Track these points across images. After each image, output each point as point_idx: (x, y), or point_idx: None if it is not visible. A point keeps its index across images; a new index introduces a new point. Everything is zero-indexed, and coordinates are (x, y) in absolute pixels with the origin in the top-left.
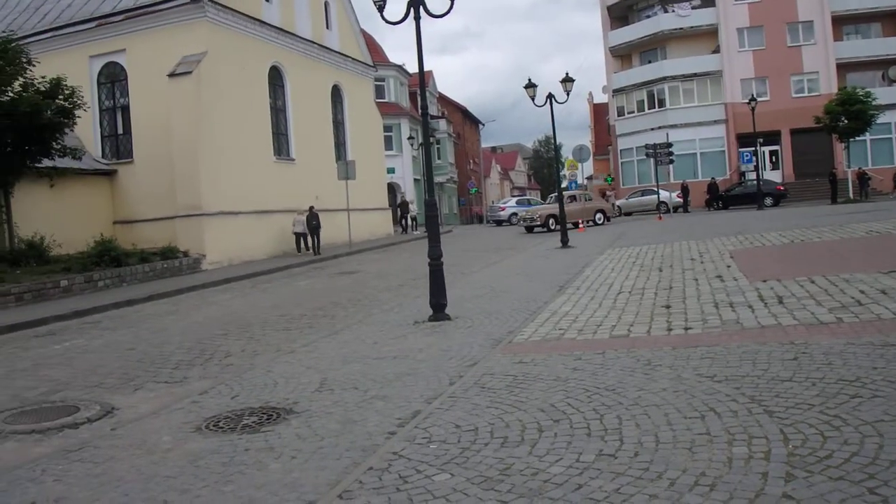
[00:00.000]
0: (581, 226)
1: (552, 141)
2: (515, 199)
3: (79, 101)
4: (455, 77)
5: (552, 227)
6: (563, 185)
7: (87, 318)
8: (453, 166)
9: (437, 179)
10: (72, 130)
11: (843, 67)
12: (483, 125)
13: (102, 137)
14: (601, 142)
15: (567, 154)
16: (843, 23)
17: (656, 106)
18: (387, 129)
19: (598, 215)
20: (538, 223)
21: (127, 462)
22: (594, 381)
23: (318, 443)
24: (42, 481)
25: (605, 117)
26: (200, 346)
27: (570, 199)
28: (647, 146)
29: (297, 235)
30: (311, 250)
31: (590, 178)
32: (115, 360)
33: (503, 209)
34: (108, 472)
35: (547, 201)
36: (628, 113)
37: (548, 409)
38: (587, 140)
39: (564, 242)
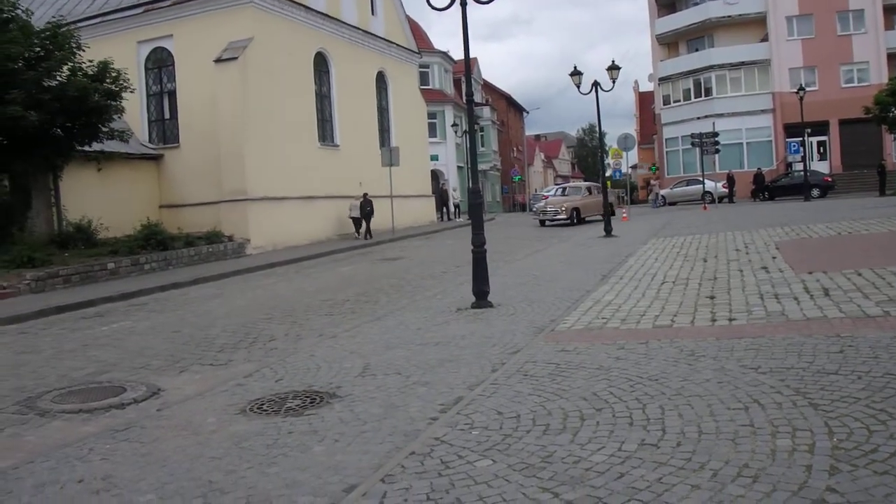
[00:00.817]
0: (625, 215)
1: (597, 129)
2: (559, 188)
3: (125, 84)
4: (501, 65)
5: (575, 221)
6: (608, 173)
7: (133, 300)
8: (497, 154)
9: (481, 167)
10: (119, 117)
11: (895, 57)
12: (527, 113)
13: (149, 122)
14: (646, 131)
15: (611, 143)
16: (895, 12)
17: (703, 95)
18: (431, 116)
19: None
20: (562, 216)
21: (172, 442)
22: (637, 370)
23: (361, 427)
24: (89, 460)
25: (650, 106)
26: (245, 329)
27: (579, 189)
28: (692, 135)
29: (354, 220)
30: (363, 235)
31: (634, 167)
32: (161, 343)
33: (546, 197)
34: (154, 452)
35: (559, 192)
36: (674, 102)
37: (590, 398)
38: (632, 129)
39: (608, 231)
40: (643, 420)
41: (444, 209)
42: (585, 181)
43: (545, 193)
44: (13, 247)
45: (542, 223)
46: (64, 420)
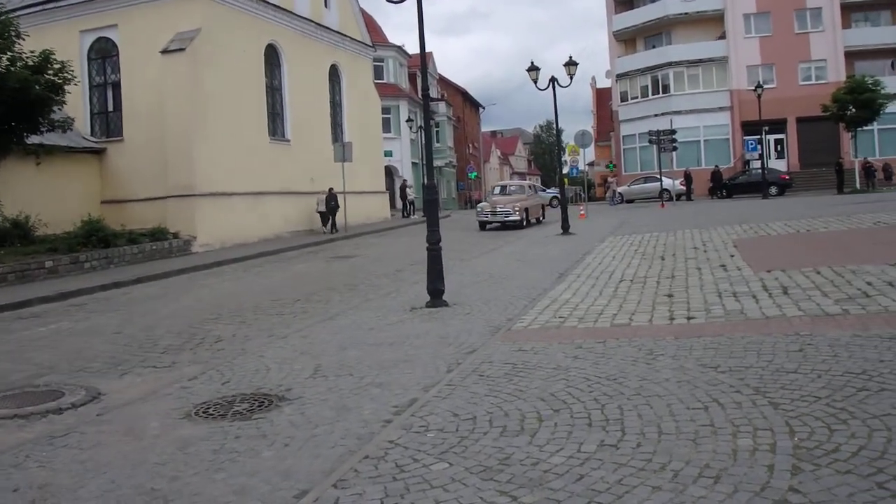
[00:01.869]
0: (582, 212)
1: (554, 126)
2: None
3: (69, 76)
4: (458, 60)
5: (525, 224)
6: (565, 170)
7: (72, 300)
8: (452, 150)
9: (436, 163)
10: (61, 109)
11: (852, 55)
12: (483, 109)
13: (92, 115)
14: (604, 128)
15: (569, 139)
16: (852, 10)
17: (660, 92)
18: (385, 110)
19: (542, 212)
20: (515, 216)
21: (114, 448)
22: (595, 370)
23: (312, 430)
24: (26, 467)
25: (608, 103)
26: (190, 330)
27: (522, 188)
28: (650, 132)
29: (321, 214)
30: (329, 229)
31: (591, 164)
32: (102, 344)
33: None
34: (95, 459)
35: (498, 191)
36: (632, 98)
37: (548, 399)
38: (590, 126)
39: (565, 229)
40: (602, 421)
41: (405, 206)
42: (524, 180)
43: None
44: None
45: (484, 226)
46: None
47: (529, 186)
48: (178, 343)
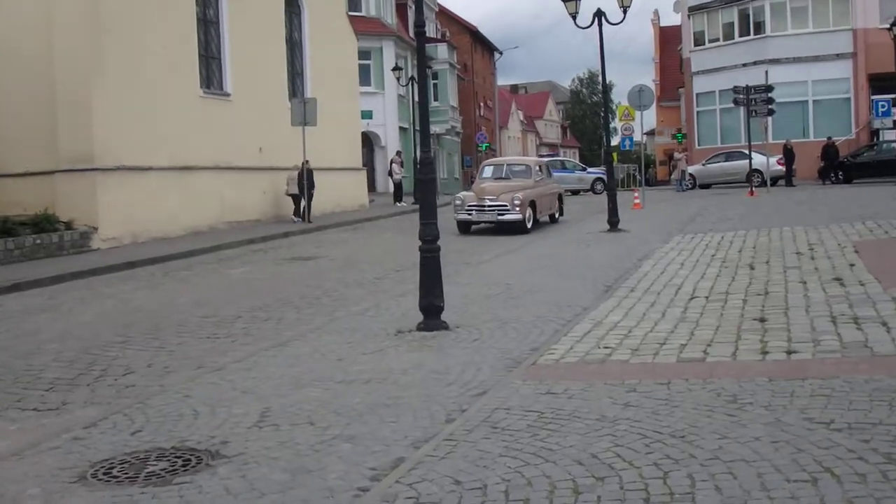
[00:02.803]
0: (637, 200)
1: (599, 78)
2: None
3: None
4: None
5: (530, 224)
6: (614, 141)
7: None
8: (456, 111)
9: (434, 129)
10: None
11: None
12: (500, 54)
13: None
14: (670, 82)
15: (620, 98)
16: None
17: (751, 32)
18: (363, 55)
19: (557, 205)
20: (512, 214)
21: None
22: (655, 423)
23: (256, 501)
24: None
25: (676, 48)
26: (88, 357)
27: (528, 170)
28: (735, 89)
29: (293, 197)
30: (302, 216)
31: (651, 133)
32: None
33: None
34: None
35: (492, 174)
36: (710, 41)
37: (588, 462)
38: (650, 80)
39: (614, 224)
40: (665, 495)
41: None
42: (531, 157)
43: None
44: None
45: (466, 228)
46: None
47: (539, 167)
48: (69, 376)
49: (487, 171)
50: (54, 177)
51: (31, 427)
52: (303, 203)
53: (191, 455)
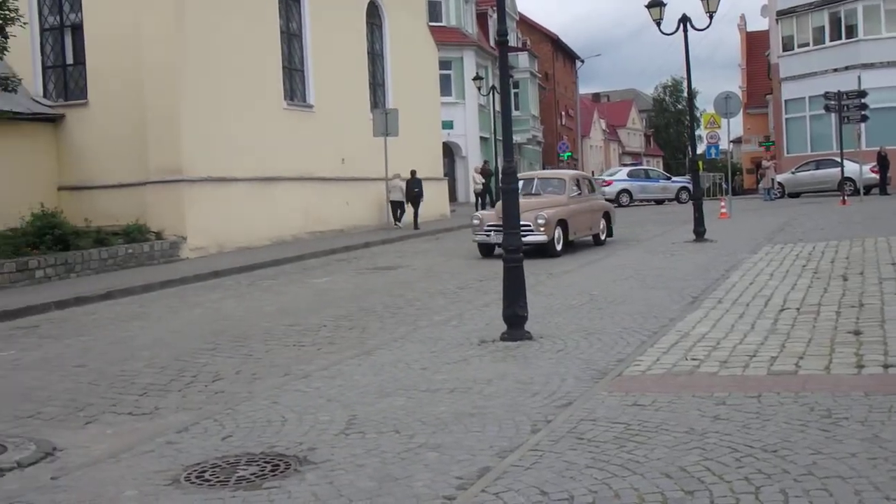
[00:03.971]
0: (724, 210)
1: (683, 86)
2: (627, 170)
3: (11, 14)
4: None
5: (559, 246)
6: (700, 149)
7: (19, 320)
8: (538, 120)
9: (515, 139)
10: (1, 58)
11: None
12: (582, 63)
13: (45, 69)
14: (757, 89)
15: (706, 106)
16: None
17: (843, 36)
18: (444, 65)
19: (602, 224)
20: (537, 235)
21: None
22: (746, 436)
23: None
24: None
25: (763, 53)
26: (178, 364)
27: (561, 184)
28: (826, 95)
29: (394, 204)
30: (408, 224)
31: (738, 141)
32: (59, 382)
33: (609, 183)
34: None
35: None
36: (799, 46)
37: (677, 475)
38: (736, 86)
39: (699, 234)
40: None
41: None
42: (567, 171)
43: (606, 178)
44: None
45: (488, 251)
46: None
47: (576, 181)
48: (161, 382)
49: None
50: (144, 188)
51: (126, 431)
52: (408, 210)
53: (279, 460)
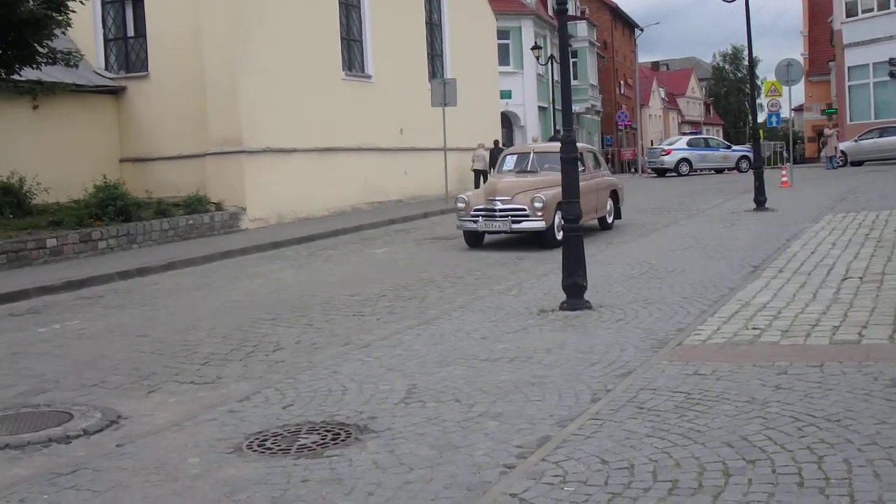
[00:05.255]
0: (785, 178)
1: (743, 54)
2: (687, 139)
3: None
4: None
5: (558, 233)
6: (761, 118)
7: (83, 290)
8: (596, 89)
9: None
10: (64, 33)
11: None
12: (641, 31)
13: (106, 42)
14: (819, 56)
15: (767, 73)
16: None
17: None
18: (501, 34)
19: (608, 205)
20: (533, 221)
21: (139, 491)
22: (808, 405)
23: (405, 475)
24: None
25: (826, 19)
26: (240, 333)
27: (540, 159)
28: (891, 62)
29: (477, 173)
30: None
31: (799, 109)
32: (123, 351)
33: (668, 153)
34: None
35: (513, 164)
36: (863, 12)
37: (738, 444)
38: (797, 53)
39: (760, 203)
40: (820, 480)
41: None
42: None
43: (665, 147)
44: None
45: (476, 240)
46: None
47: (580, 155)
48: (223, 351)
49: (509, 162)
50: (205, 160)
51: (189, 400)
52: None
53: (340, 429)
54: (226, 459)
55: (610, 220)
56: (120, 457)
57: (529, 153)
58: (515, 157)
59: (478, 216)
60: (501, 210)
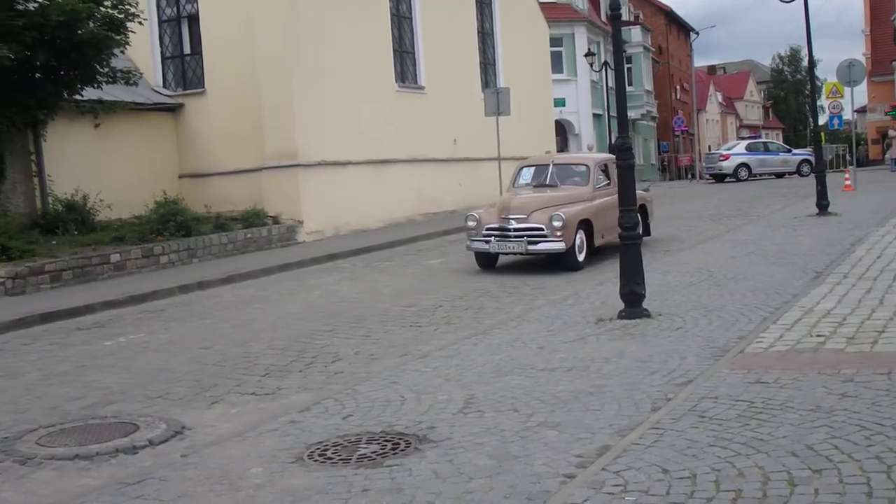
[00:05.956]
0: (848, 182)
1: (802, 55)
2: (746, 143)
3: (131, 9)
4: None
5: (580, 253)
6: (822, 121)
7: (146, 304)
8: (651, 95)
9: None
10: (123, 52)
11: None
12: (696, 35)
13: (163, 60)
14: (883, 55)
15: (828, 74)
16: None
17: None
18: (554, 41)
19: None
20: (552, 242)
21: (203, 500)
22: (876, 414)
23: (465, 485)
24: None
25: (889, 17)
26: (298, 345)
27: (583, 173)
28: None
29: None
30: None
31: (862, 110)
32: (185, 363)
33: (726, 158)
34: None
35: (530, 179)
36: None
37: (803, 454)
38: (859, 53)
39: (822, 207)
40: (889, 490)
41: None
42: (592, 154)
43: (724, 153)
44: None
45: (488, 262)
46: (54, 469)
47: (605, 167)
48: (282, 363)
49: (525, 175)
50: (261, 174)
51: (251, 411)
52: None
53: (399, 439)
54: (287, 469)
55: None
56: (185, 467)
57: (548, 165)
58: (533, 169)
59: (490, 236)
60: (516, 230)
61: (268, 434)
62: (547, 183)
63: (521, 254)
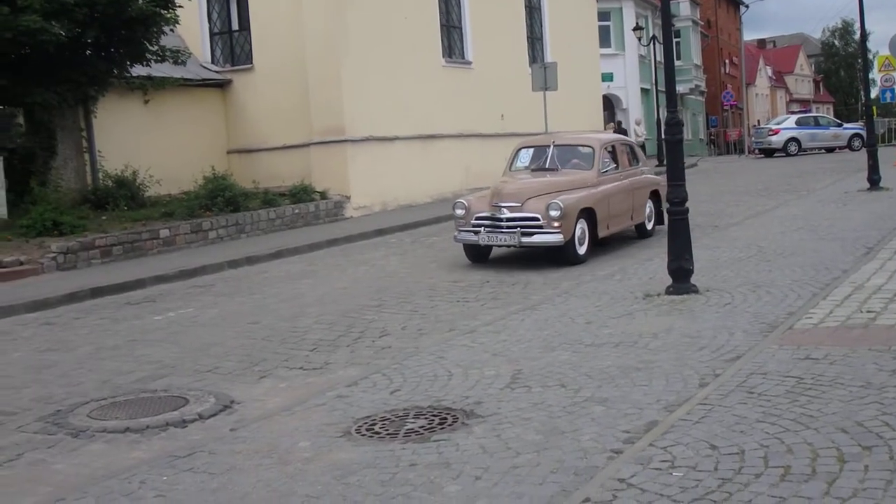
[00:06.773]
0: None
1: (854, 27)
2: (796, 118)
3: None
4: None
5: (580, 245)
6: (874, 94)
7: (195, 279)
8: (700, 69)
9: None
10: (172, 30)
11: None
12: (746, 8)
13: (211, 36)
14: None
15: (880, 47)
16: None
17: None
18: (602, 16)
19: (648, 209)
20: (549, 234)
21: (252, 474)
22: None
23: (512, 460)
24: (140, 497)
25: None
26: (346, 320)
27: (588, 156)
28: None
29: None
30: None
31: None
32: (234, 338)
33: (776, 132)
34: (228, 487)
35: (529, 163)
36: None
37: (853, 430)
38: None
39: (874, 182)
40: None
41: None
42: (597, 134)
43: (773, 127)
44: (33, 208)
45: (478, 255)
46: (105, 442)
47: (609, 149)
48: (330, 337)
49: (523, 158)
50: (309, 149)
51: (299, 385)
52: None
53: (447, 414)
54: (335, 443)
55: (650, 225)
56: (234, 440)
57: (548, 146)
58: (531, 150)
59: (479, 227)
60: (509, 219)
61: (316, 408)
62: (546, 166)
63: (514, 246)
